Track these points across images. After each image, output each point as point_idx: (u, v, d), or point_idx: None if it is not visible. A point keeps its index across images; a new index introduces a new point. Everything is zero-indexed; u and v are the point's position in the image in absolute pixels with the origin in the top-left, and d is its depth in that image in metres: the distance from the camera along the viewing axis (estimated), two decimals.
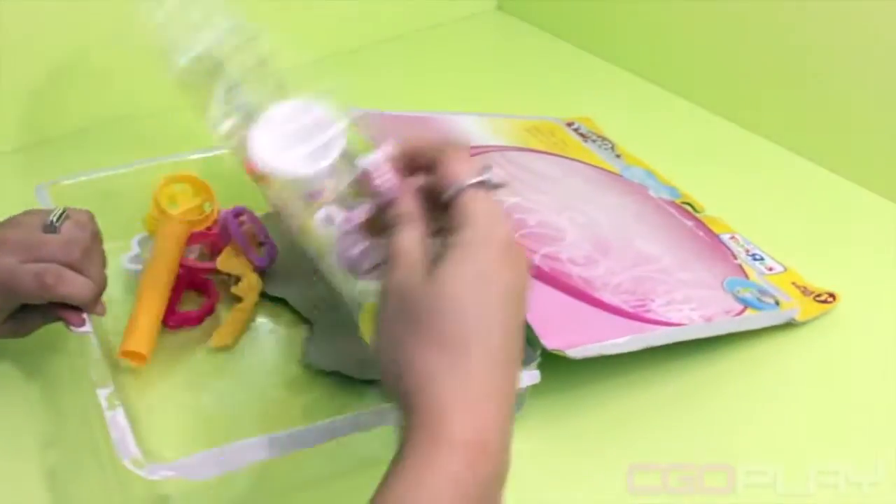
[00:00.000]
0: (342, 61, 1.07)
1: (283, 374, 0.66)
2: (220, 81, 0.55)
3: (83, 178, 0.74)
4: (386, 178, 0.44)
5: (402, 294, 0.41)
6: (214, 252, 0.72)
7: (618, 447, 0.62)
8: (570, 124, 0.96)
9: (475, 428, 0.39)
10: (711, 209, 0.85)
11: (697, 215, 0.83)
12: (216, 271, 0.70)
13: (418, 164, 0.45)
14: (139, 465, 0.49)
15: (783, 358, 0.70)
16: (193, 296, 0.72)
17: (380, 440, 0.56)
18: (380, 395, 0.63)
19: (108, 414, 0.52)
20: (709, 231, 0.81)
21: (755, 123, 0.99)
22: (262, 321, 0.71)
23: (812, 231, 0.84)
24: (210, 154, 0.77)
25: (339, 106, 0.50)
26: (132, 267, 0.71)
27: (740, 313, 0.69)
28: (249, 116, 0.53)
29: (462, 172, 0.43)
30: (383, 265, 0.44)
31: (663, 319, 0.66)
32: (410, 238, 0.43)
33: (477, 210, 0.42)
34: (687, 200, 0.86)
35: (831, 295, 0.74)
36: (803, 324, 0.71)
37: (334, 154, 0.49)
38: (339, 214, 0.50)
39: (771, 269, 0.77)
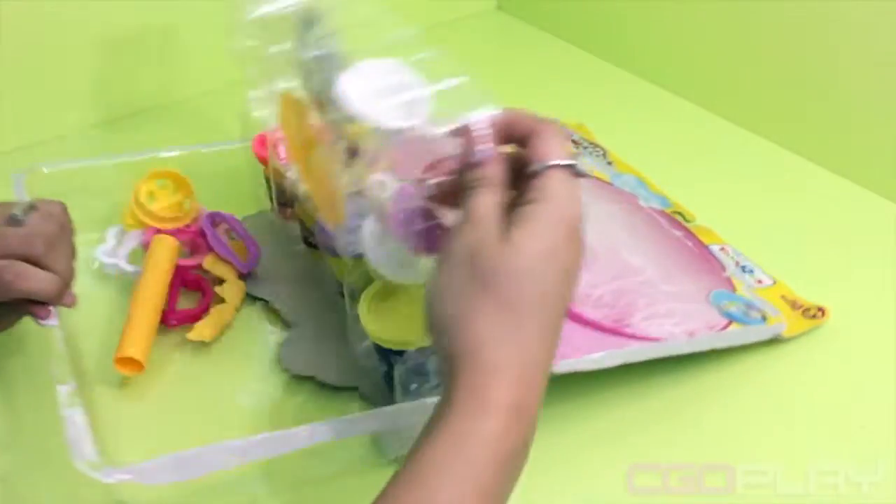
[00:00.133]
0: None
1: (260, 378, 0.66)
2: (314, 29, 0.54)
3: (63, 167, 0.74)
4: (484, 137, 0.44)
5: (474, 253, 0.42)
6: (193, 249, 0.72)
7: (618, 447, 0.62)
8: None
9: (521, 395, 0.41)
10: (703, 217, 0.83)
11: (688, 225, 0.82)
12: (205, 269, 0.71)
13: (511, 134, 0.45)
14: (95, 467, 0.47)
15: (783, 359, 0.70)
16: (187, 293, 0.71)
17: (355, 447, 0.57)
18: (358, 403, 0.63)
19: (65, 412, 0.50)
20: (698, 242, 0.79)
21: (754, 123, 0.99)
22: (246, 323, 0.70)
23: (810, 234, 0.84)
24: (192, 150, 0.77)
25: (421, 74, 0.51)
26: (105, 259, 0.71)
27: (725, 328, 0.67)
28: (338, 65, 0.52)
29: (553, 152, 0.43)
30: (442, 239, 0.45)
31: (642, 334, 0.64)
32: (491, 202, 0.43)
33: (558, 188, 0.43)
34: (678, 210, 0.84)
35: (821, 310, 0.72)
36: (789, 339, 0.70)
37: (422, 114, 0.49)
38: (393, 183, 0.50)
39: (760, 282, 0.75)
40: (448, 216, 0.47)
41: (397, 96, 0.49)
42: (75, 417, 0.50)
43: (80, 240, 0.61)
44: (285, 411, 0.63)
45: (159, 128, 0.93)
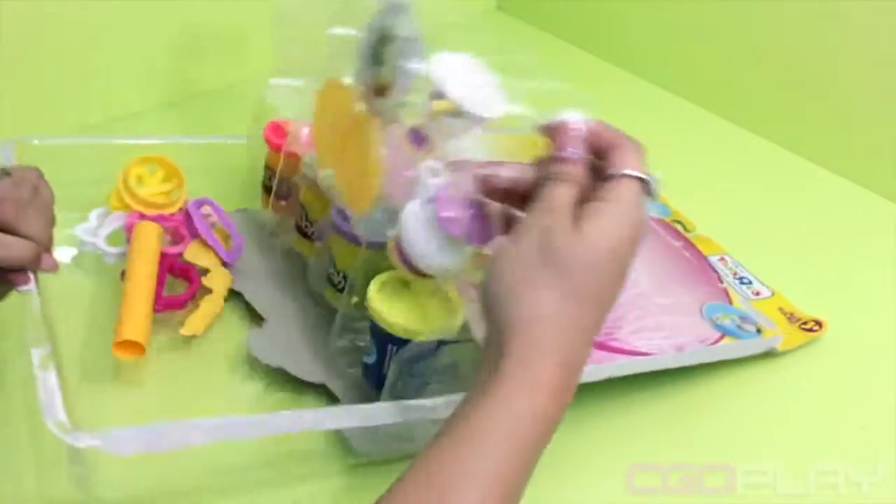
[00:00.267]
0: None
1: (237, 367, 0.65)
2: (401, 14, 0.55)
3: (55, 142, 0.73)
4: (577, 139, 0.47)
5: (547, 236, 0.44)
6: (177, 238, 0.72)
7: (618, 447, 0.62)
8: None
9: (563, 379, 0.43)
10: (703, 219, 0.83)
11: (687, 235, 0.81)
12: (186, 259, 0.70)
13: (596, 143, 0.48)
14: (64, 429, 0.47)
15: (784, 360, 0.70)
16: (171, 282, 0.71)
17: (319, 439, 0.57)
18: (326, 399, 0.63)
19: (38, 374, 0.50)
20: (697, 252, 0.78)
21: (754, 123, 0.99)
22: (230, 314, 0.70)
23: (809, 235, 0.84)
24: (190, 141, 0.78)
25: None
26: (84, 237, 0.70)
27: (716, 342, 0.66)
28: (419, 51, 0.54)
29: (631, 163, 0.46)
30: (486, 230, 0.49)
31: (629, 348, 0.63)
32: (568, 194, 0.46)
33: (628, 195, 0.45)
34: (677, 219, 0.83)
35: (818, 323, 0.71)
36: (784, 353, 0.70)
37: (502, 108, 0.52)
38: (444, 172, 0.52)
39: (758, 294, 0.75)
40: (494, 209, 0.49)
41: (481, 88, 0.52)
42: (48, 379, 0.50)
43: (64, 217, 0.61)
44: (258, 403, 0.63)
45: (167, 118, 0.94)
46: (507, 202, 0.49)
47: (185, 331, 0.65)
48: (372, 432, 0.59)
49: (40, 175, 0.60)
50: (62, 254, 0.70)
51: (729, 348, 0.67)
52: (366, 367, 0.60)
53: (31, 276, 0.57)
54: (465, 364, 0.60)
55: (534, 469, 0.43)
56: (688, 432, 0.64)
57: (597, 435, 0.63)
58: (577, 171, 0.47)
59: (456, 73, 0.53)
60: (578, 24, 1.17)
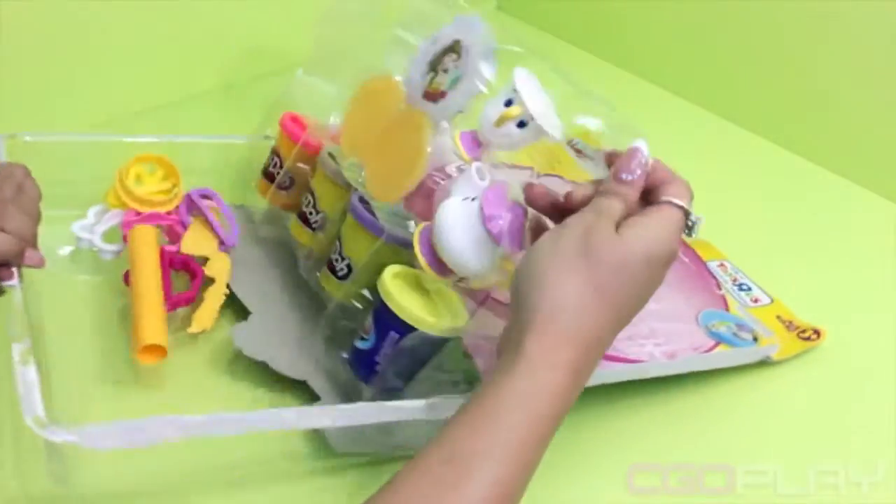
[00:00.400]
0: None
1: (225, 361, 0.66)
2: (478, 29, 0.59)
3: (45, 139, 0.73)
4: (642, 165, 0.51)
5: (587, 232, 0.47)
6: (172, 236, 0.72)
7: (618, 447, 0.62)
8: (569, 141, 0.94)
9: (583, 357, 0.46)
10: (705, 230, 0.82)
11: (688, 240, 0.78)
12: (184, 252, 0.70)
13: (650, 177, 0.51)
14: (41, 424, 0.47)
15: (784, 362, 0.70)
16: (174, 274, 0.71)
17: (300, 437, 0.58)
18: (308, 395, 0.63)
19: (18, 369, 0.50)
20: (696, 258, 0.78)
21: (754, 123, 0.99)
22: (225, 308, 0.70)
23: (809, 236, 0.84)
24: (186, 140, 0.78)
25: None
26: (80, 234, 0.71)
27: (710, 349, 0.65)
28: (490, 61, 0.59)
29: (678, 194, 0.50)
30: (522, 236, 0.53)
31: (620, 355, 0.62)
32: (618, 207, 0.49)
33: (670, 217, 0.49)
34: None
35: (816, 332, 0.70)
36: (779, 363, 0.69)
37: (555, 125, 0.55)
38: (488, 175, 0.55)
39: (757, 301, 0.74)
40: (536, 217, 0.54)
41: (549, 107, 0.56)
42: (27, 374, 0.50)
43: (62, 214, 0.62)
44: (241, 399, 0.63)
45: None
46: (549, 217, 0.53)
47: (193, 328, 0.65)
48: (351, 429, 0.59)
49: (27, 172, 0.61)
50: (60, 250, 0.71)
51: (723, 356, 0.66)
52: (358, 352, 0.60)
53: (15, 271, 0.57)
54: (454, 364, 0.61)
55: (548, 445, 0.45)
56: (688, 432, 0.64)
57: (597, 435, 0.63)
58: (630, 192, 0.50)
59: (533, 88, 0.56)
60: (578, 24, 1.17)
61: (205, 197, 0.74)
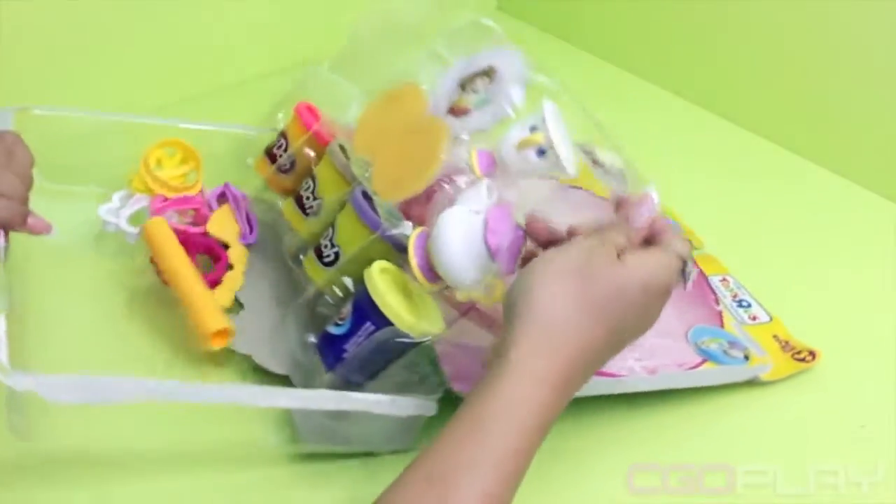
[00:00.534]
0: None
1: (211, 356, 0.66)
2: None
3: (55, 113, 0.75)
4: (650, 210, 0.53)
5: (589, 254, 0.49)
6: (198, 219, 0.74)
7: (618, 447, 0.62)
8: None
9: (570, 370, 0.47)
10: (703, 224, 0.82)
11: (693, 254, 0.79)
12: (208, 233, 0.72)
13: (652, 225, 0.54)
14: (4, 371, 0.48)
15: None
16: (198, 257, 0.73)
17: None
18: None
19: None
20: (699, 273, 0.76)
21: (754, 123, 0.99)
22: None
23: (809, 236, 0.84)
24: (208, 128, 0.79)
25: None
26: (108, 218, 0.73)
27: (696, 366, 0.64)
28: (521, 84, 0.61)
29: (677, 245, 0.52)
30: (518, 259, 0.55)
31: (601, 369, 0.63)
32: (623, 240, 0.51)
33: (668, 258, 0.51)
34: (687, 237, 0.81)
35: (811, 353, 0.69)
36: (770, 383, 0.68)
37: (571, 161, 0.57)
38: (495, 193, 0.56)
39: (755, 319, 0.72)
40: (529, 245, 0.55)
41: (569, 143, 0.57)
42: None
43: (51, 189, 0.65)
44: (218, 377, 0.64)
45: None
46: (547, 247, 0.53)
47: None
48: (318, 420, 0.60)
49: (17, 139, 0.62)
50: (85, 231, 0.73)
51: (708, 374, 0.65)
52: (330, 338, 0.61)
53: (2, 232, 0.59)
54: (423, 367, 0.61)
55: (532, 458, 0.45)
56: (688, 432, 0.64)
57: (597, 435, 0.63)
58: (636, 234, 0.52)
59: (558, 122, 0.57)
60: (578, 24, 1.17)
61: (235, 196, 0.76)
